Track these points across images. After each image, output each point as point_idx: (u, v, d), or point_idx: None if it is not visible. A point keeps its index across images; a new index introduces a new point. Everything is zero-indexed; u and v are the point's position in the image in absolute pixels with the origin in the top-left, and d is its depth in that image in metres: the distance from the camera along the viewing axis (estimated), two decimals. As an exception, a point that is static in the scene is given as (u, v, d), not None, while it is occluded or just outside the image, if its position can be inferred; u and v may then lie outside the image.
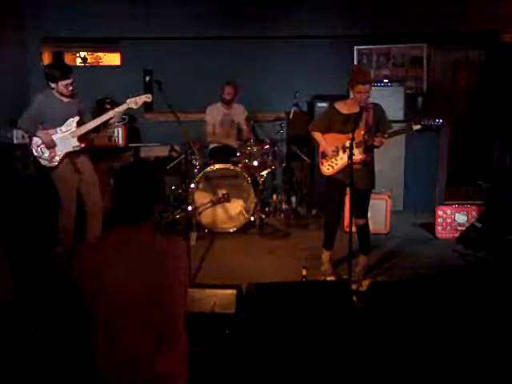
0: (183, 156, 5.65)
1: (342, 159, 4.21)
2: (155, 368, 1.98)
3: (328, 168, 4.33)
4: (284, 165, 6.22)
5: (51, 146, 4.44)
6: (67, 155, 4.50)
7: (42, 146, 4.46)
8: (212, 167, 5.53)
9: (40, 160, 4.51)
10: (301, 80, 6.60)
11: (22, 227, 5.19)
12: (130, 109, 4.56)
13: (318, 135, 4.37)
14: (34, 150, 4.50)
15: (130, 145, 6.43)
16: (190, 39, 6.80)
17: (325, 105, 6.39)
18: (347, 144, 3.99)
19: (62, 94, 4.44)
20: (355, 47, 6.97)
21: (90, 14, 6.61)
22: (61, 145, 4.48)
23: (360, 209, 4.34)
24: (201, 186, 5.55)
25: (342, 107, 4.25)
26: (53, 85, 4.40)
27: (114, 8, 6.66)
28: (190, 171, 5.55)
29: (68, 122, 4.48)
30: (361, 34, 6.87)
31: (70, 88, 4.42)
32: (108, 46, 7.18)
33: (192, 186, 5.47)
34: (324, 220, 4.60)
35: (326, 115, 4.42)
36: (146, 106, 6.90)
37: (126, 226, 2.06)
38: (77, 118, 4.50)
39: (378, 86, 6.11)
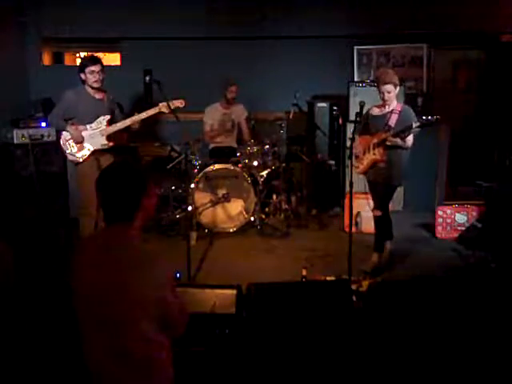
0: (183, 156, 5.65)
1: (367, 159, 4.43)
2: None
3: (357, 167, 4.53)
4: (284, 165, 6.21)
5: (79, 141, 4.47)
6: (94, 153, 4.51)
7: (71, 140, 4.49)
8: (212, 167, 5.53)
9: (67, 155, 4.55)
10: (301, 80, 6.59)
11: (21, 227, 5.20)
12: (161, 113, 4.55)
13: (357, 137, 4.47)
14: (61, 145, 4.54)
15: (131, 145, 6.42)
16: (189, 39, 6.80)
17: (325, 105, 6.40)
18: (371, 144, 4.32)
19: (91, 87, 4.47)
20: (355, 47, 6.96)
21: (90, 14, 6.61)
22: (89, 142, 4.50)
23: (377, 201, 4.57)
24: (201, 186, 5.55)
25: (373, 109, 4.48)
26: (82, 75, 4.46)
27: (113, 8, 6.66)
28: (190, 171, 5.55)
29: (99, 119, 4.51)
30: (361, 33, 6.87)
31: (97, 76, 4.45)
32: (108, 46, 7.18)
33: (192, 186, 5.47)
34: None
35: (362, 117, 4.50)
36: (146, 106, 6.90)
37: (112, 226, 2.04)
38: (108, 117, 4.53)
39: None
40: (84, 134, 4.50)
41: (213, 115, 6.09)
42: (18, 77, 6.54)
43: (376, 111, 4.46)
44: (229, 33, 6.77)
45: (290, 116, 6.23)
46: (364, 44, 6.97)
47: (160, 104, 4.54)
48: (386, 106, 4.37)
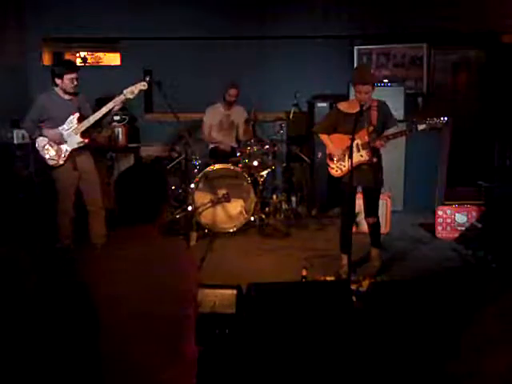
0: (183, 156, 5.65)
1: (349, 161, 4.08)
2: (163, 374, 1.98)
3: (336, 170, 4.31)
4: (284, 165, 6.22)
5: (60, 142, 4.49)
6: (71, 153, 4.55)
7: (47, 145, 4.51)
8: (212, 167, 5.53)
9: (48, 160, 4.54)
10: (301, 80, 6.59)
11: (21, 227, 5.19)
12: (127, 99, 4.55)
13: (324, 137, 4.35)
14: (40, 151, 4.54)
15: (130, 145, 6.43)
16: (189, 39, 6.80)
17: (325, 105, 6.40)
18: (354, 145, 4.02)
19: (65, 91, 4.49)
20: (355, 47, 6.96)
21: (90, 14, 6.61)
22: (65, 143, 4.53)
23: (369, 207, 4.38)
24: (201, 185, 5.55)
25: (346, 107, 4.22)
26: (58, 80, 4.47)
27: (113, 8, 6.67)
28: (190, 171, 5.56)
29: (69, 119, 4.53)
30: (361, 34, 6.87)
31: (75, 83, 4.48)
32: (108, 45, 7.19)
33: (192, 186, 5.47)
34: (339, 223, 4.54)
35: (329, 116, 4.42)
36: (146, 106, 6.91)
37: (133, 227, 2.05)
38: (77, 115, 4.54)
39: (378, 85, 6.09)
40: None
41: (213, 115, 6.08)
42: (18, 77, 6.54)
43: (348, 109, 4.15)
44: (229, 33, 6.77)
45: (290, 116, 6.24)
46: (364, 44, 6.97)
47: (124, 91, 4.53)
48: (358, 106, 4.01)
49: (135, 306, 1.95)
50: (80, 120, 4.54)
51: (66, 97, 4.54)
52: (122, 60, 7.07)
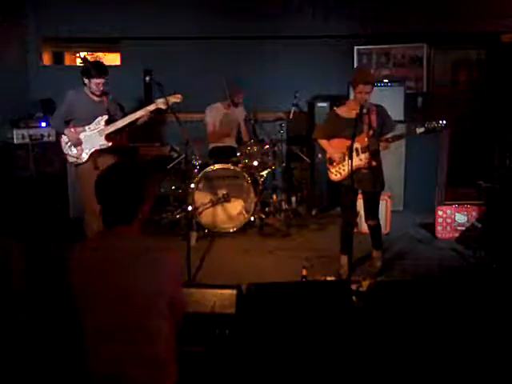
0: (183, 156, 5.65)
1: (349, 164, 4.04)
2: (140, 372, 1.98)
3: (336, 174, 4.31)
4: (284, 165, 6.21)
5: (77, 143, 4.52)
6: (93, 153, 4.55)
7: (69, 143, 4.54)
8: (212, 167, 5.53)
9: (68, 157, 4.58)
10: (301, 80, 6.59)
11: (21, 227, 5.20)
12: (159, 109, 4.58)
13: (323, 142, 4.37)
14: (62, 147, 4.58)
15: (130, 145, 6.42)
16: (190, 39, 6.80)
17: (325, 105, 6.40)
18: (355, 149, 4.02)
19: (92, 93, 4.52)
20: (355, 47, 6.96)
21: (90, 14, 6.60)
22: (88, 142, 4.55)
23: (370, 210, 4.40)
24: (201, 186, 5.55)
25: (344, 111, 4.23)
26: (86, 80, 4.48)
27: (113, 8, 6.66)
28: (190, 171, 5.56)
29: (97, 120, 4.55)
30: (361, 34, 6.87)
31: (101, 88, 4.51)
32: (108, 45, 7.19)
33: (192, 186, 5.47)
34: (340, 225, 4.54)
35: (328, 121, 4.41)
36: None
37: (112, 228, 2.05)
38: (105, 117, 4.56)
39: (378, 86, 6.10)
40: (82, 135, 4.55)
41: (214, 115, 6.08)
42: (18, 77, 6.54)
43: (347, 113, 4.17)
44: (229, 32, 6.77)
45: (290, 116, 6.23)
46: (364, 44, 6.97)
47: (157, 100, 4.57)
48: (357, 108, 4.05)
49: (107, 307, 1.96)
50: (107, 122, 4.56)
51: (96, 98, 4.55)
52: (121, 60, 7.07)
